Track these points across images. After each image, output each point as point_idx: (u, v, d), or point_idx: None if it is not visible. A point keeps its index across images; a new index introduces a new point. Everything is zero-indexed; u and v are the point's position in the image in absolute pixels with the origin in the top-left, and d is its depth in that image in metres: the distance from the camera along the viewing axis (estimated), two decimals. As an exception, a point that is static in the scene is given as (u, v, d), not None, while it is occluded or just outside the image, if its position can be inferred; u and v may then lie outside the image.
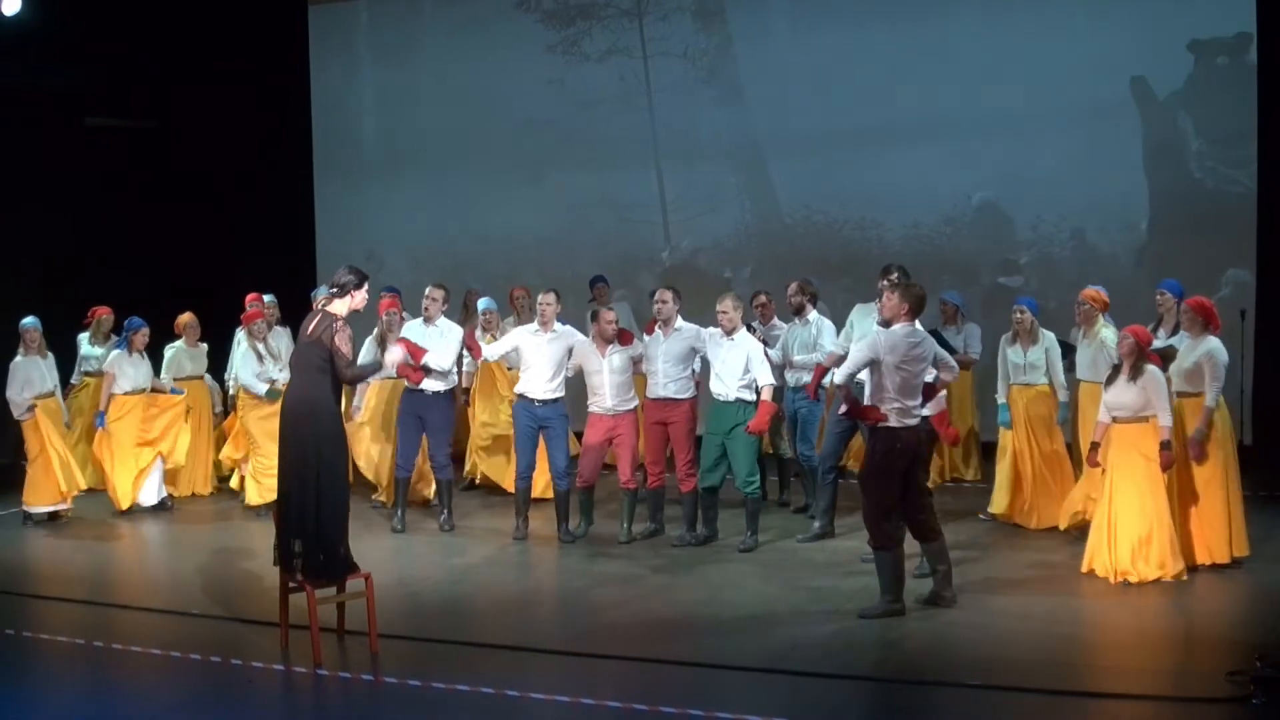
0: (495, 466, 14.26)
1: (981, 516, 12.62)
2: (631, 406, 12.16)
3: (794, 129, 17.07)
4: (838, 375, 9.56)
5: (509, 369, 13.84)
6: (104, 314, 14.84)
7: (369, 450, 13.65)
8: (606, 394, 12.07)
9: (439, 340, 12.56)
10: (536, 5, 18.46)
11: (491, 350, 12.56)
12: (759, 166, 17.51)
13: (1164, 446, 10.21)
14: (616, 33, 18.07)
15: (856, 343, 10.14)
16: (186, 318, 14.66)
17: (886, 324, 9.63)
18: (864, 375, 9.76)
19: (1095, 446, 10.73)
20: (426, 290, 12.80)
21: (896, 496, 9.55)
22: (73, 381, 14.86)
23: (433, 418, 12.69)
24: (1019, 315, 12.20)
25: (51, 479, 13.50)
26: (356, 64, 19.84)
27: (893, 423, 9.44)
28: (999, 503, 12.46)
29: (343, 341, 9.08)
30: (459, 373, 13.48)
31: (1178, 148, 15.52)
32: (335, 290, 9.24)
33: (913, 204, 16.60)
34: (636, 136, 18.00)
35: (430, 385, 12.51)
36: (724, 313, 11.67)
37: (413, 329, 12.59)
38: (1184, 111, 15.46)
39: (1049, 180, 15.86)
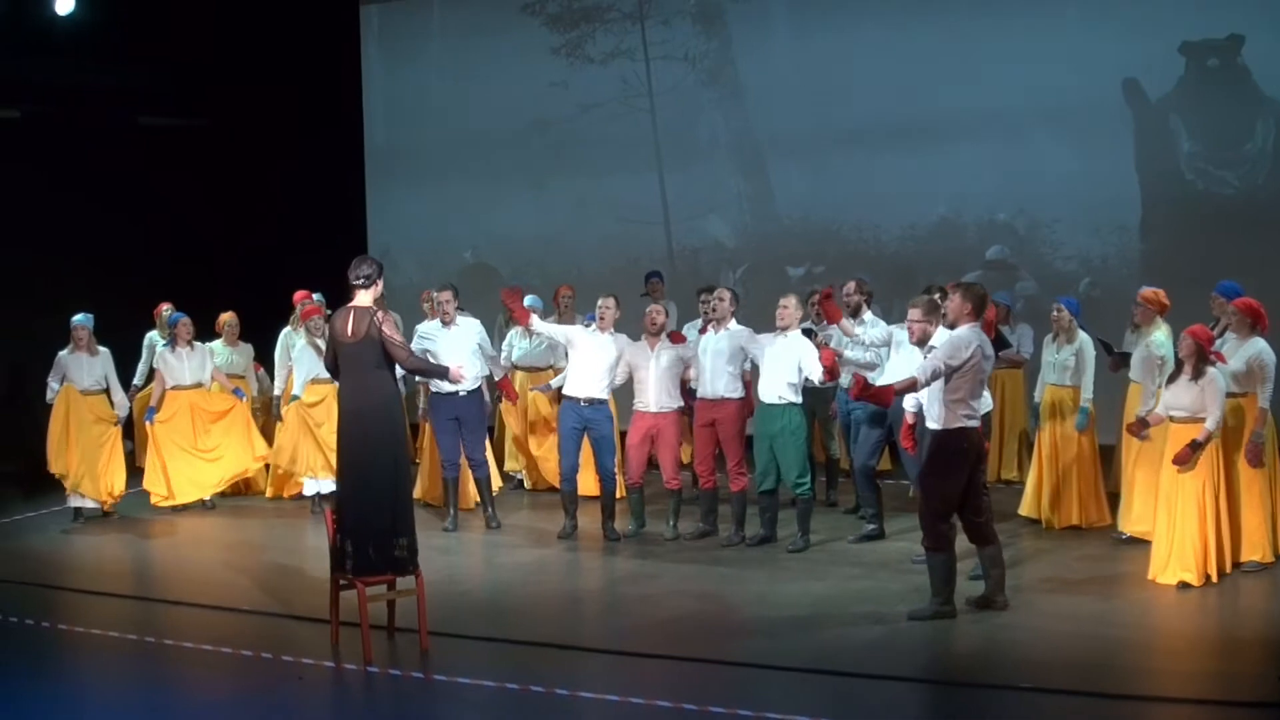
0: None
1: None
2: (675, 407, 11.95)
3: (792, 131, 16.93)
4: (922, 376, 9.17)
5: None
6: (166, 308, 14.51)
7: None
8: (650, 391, 11.88)
9: (463, 340, 12.43)
10: (541, 9, 18.28)
11: (541, 325, 12.30)
12: (758, 168, 17.39)
13: (1192, 445, 10.02)
14: (619, 36, 17.91)
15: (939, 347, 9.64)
16: (227, 317, 14.45)
17: (951, 326, 9.42)
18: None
19: (1143, 422, 10.57)
20: (434, 294, 12.62)
21: (958, 498, 9.36)
22: (136, 383, 14.53)
23: (468, 417, 12.53)
24: (1056, 313, 12.08)
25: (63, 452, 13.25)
26: (370, 66, 19.61)
27: (960, 423, 9.22)
28: (1026, 503, 12.34)
29: (392, 329, 9.01)
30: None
31: (1169, 149, 15.44)
32: (361, 281, 9.09)
33: (908, 206, 16.45)
34: (638, 138, 17.85)
35: (464, 386, 12.34)
36: (785, 308, 11.41)
37: (433, 332, 12.51)
38: (1175, 114, 15.39)
39: (1042, 182, 15.74)
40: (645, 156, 17.83)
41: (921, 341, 9.76)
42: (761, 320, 12.23)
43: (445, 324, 12.46)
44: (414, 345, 12.32)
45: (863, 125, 16.45)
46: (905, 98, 16.19)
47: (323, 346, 12.87)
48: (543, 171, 18.26)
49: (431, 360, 11.87)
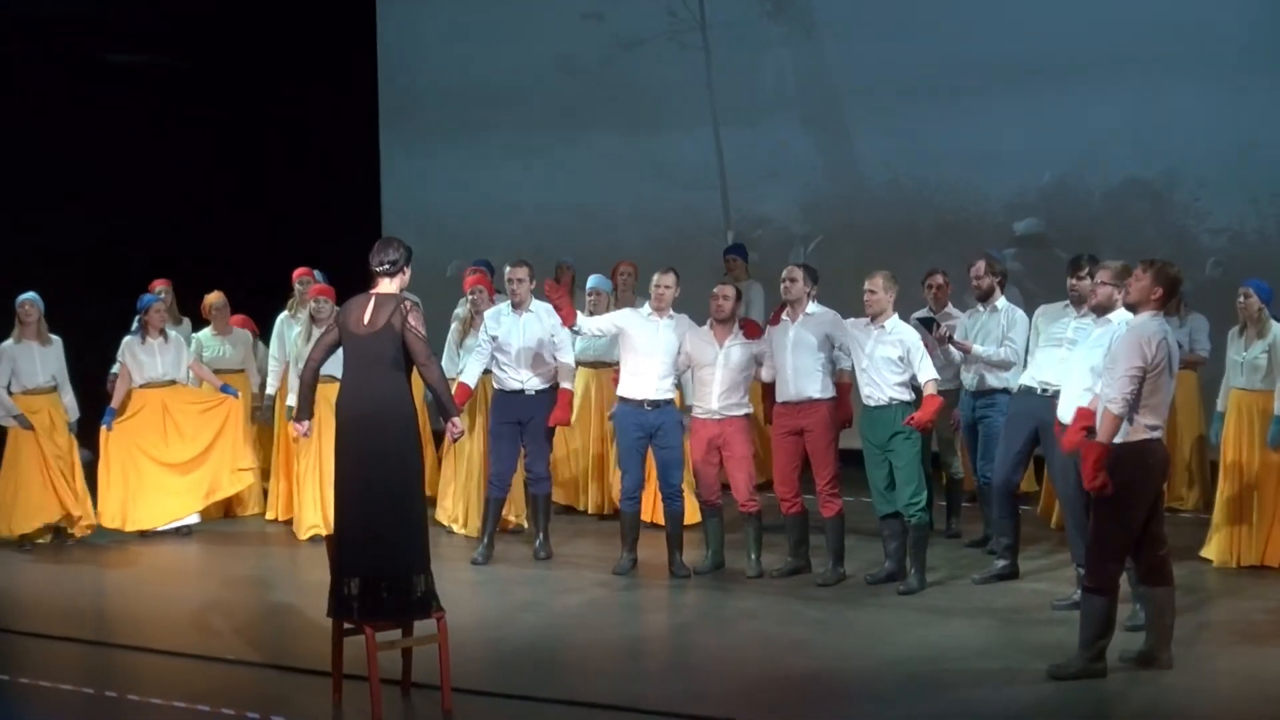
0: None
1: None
2: (742, 413, 11.60)
3: (878, 74, 16.72)
4: (1116, 405, 8.78)
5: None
6: (160, 287, 14.24)
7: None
8: (713, 392, 11.52)
9: (535, 331, 12.16)
10: (571, -78, 18.33)
11: (587, 323, 11.90)
12: (835, 120, 17.25)
13: None
14: (666, -45, 17.90)
15: (1117, 347, 9.16)
16: (213, 298, 14.32)
17: (1131, 310, 9.10)
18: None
19: None
20: (507, 269, 12.32)
21: (1141, 528, 9.01)
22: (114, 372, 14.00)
23: (536, 422, 12.26)
24: (1243, 300, 11.70)
25: (34, 496, 13.02)
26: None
27: (1144, 435, 8.85)
28: (1212, 543, 11.88)
29: (419, 322, 8.73)
30: None
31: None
32: (386, 267, 8.86)
33: (1021, 166, 16.26)
34: (689, 82, 17.79)
35: (532, 384, 12.14)
36: (872, 293, 11.05)
37: (501, 318, 12.22)
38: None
39: (1186, 136, 15.42)
40: (697, 105, 17.76)
41: (1101, 308, 9.88)
42: (840, 307, 11.85)
43: (516, 307, 12.20)
44: (480, 335, 12.26)
45: (965, 66, 16.25)
46: (1015, 34, 16.00)
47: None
48: (571, 124, 18.27)
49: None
